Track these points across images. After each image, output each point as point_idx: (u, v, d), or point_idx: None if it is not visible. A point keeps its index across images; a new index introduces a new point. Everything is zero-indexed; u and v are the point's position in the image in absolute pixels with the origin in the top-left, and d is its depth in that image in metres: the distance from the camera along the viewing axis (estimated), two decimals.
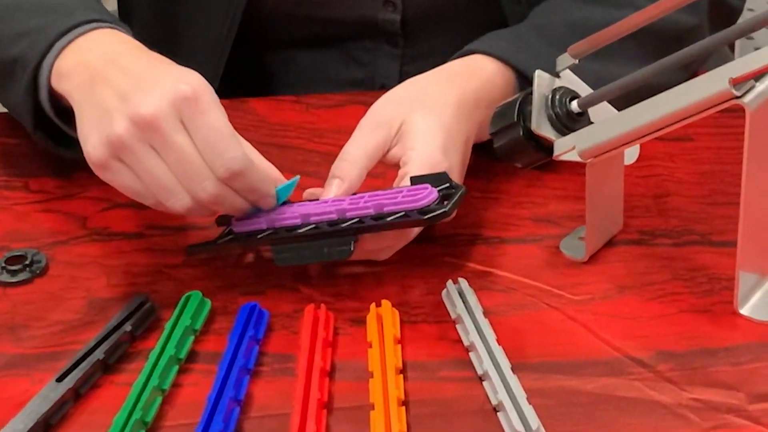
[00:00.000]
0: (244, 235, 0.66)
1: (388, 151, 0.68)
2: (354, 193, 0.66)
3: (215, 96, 0.62)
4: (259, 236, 0.65)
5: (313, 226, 0.64)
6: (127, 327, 0.63)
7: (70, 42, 0.68)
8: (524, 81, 0.72)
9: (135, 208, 0.76)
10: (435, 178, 0.64)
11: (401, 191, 0.63)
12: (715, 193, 0.74)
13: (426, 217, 0.61)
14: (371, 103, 0.86)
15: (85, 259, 0.71)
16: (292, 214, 0.65)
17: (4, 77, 0.73)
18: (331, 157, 0.79)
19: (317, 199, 0.67)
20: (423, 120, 0.68)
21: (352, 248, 0.62)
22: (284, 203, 0.66)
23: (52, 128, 0.72)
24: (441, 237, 0.71)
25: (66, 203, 0.76)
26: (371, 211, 0.63)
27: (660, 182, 0.75)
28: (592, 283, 0.67)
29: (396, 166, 0.68)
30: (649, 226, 0.71)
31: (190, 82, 0.61)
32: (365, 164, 0.67)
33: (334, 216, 0.64)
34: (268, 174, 0.65)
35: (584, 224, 0.70)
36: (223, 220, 0.69)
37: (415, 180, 0.64)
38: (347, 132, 0.82)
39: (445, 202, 0.61)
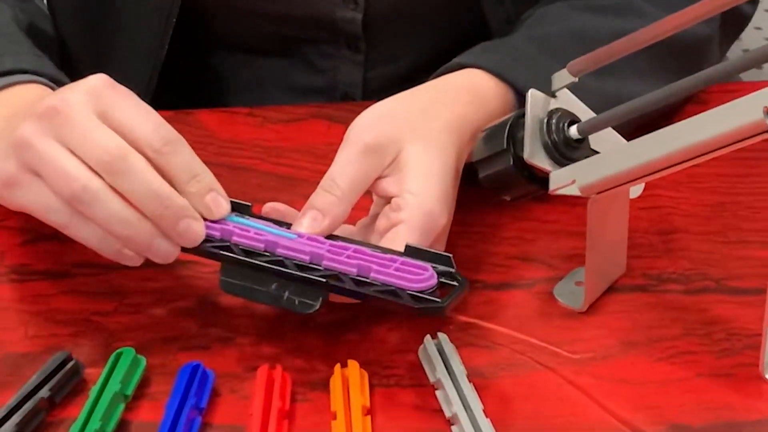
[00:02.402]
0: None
1: (377, 179, 0.59)
2: (332, 237, 0.58)
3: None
4: (207, 245, 0.57)
5: (278, 260, 0.55)
6: (45, 392, 0.55)
7: None
8: (524, 103, 0.64)
9: (62, 241, 0.66)
10: (438, 258, 0.55)
11: (395, 260, 0.54)
12: (728, 229, 0.66)
13: (418, 306, 0.52)
14: (337, 118, 0.79)
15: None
16: (254, 236, 0.56)
17: None
18: (291, 181, 0.72)
19: (283, 223, 0.58)
20: (424, 155, 0.59)
21: (318, 306, 0.54)
22: (244, 216, 0.58)
23: None
24: None
25: None
26: (353, 271, 0.54)
27: (665, 215, 0.68)
28: (593, 338, 0.59)
29: (383, 199, 0.60)
30: (656, 269, 0.63)
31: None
32: (352, 198, 0.58)
33: (306, 258, 0.55)
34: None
35: (581, 266, 0.63)
36: None
37: (413, 251, 0.55)
38: (309, 152, 0.75)
39: (442, 298, 0.53)
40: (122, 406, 0.55)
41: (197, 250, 0.57)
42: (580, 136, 0.57)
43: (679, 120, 0.52)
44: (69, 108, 0.55)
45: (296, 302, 0.54)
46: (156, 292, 0.63)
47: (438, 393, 0.55)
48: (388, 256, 0.55)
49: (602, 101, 0.58)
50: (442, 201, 0.58)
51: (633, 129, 0.59)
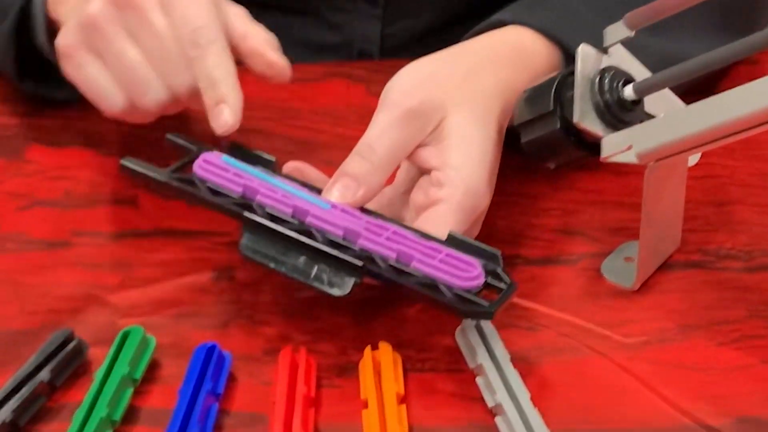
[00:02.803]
0: (206, 187, 0.53)
1: (417, 147, 0.54)
2: (366, 211, 0.53)
3: None
4: (227, 201, 0.52)
5: (307, 230, 0.50)
6: (45, 375, 0.50)
7: None
8: (572, 63, 0.59)
9: (61, 207, 0.63)
10: (484, 253, 0.50)
11: (440, 250, 0.50)
12: None
13: (463, 308, 0.48)
14: (357, 77, 0.74)
15: None
16: (281, 198, 0.51)
17: None
18: (309, 146, 0.67)
19: (311, 187, 0.53)
20: (468, 125, 0.54)
21: (347, 290, 0.49)
22: (268, 173, 0.54)
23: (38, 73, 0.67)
24: None
25: None
26: (392, 255, 0.49)
27: (720, 186, 0.63)
28: (646, 320, 0.55)
29: (422, 169, 0.55)
30: (712, 244, 0.59)
31: None
32: (389, 167, 0.54)
33: (339, 233, 0.50)
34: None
35: (630, 240, 0.58)
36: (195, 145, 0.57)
37: (457, 242, 0.50)
38: (328, 113, 0.70)
39: (488, 300, 0.48)
40: (131, 391, 0.50)
41: (213, 204, 0.52)
42: (636, 97, 0.52)
43: (729, 81, 0.48)
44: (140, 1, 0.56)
45: (325, 281, 0.50)
46: (165, 264, 0.58)
47: (479, 380, 0.51)
48: (432, 244, 0.50)
49: (657, 60, 0.53)
50: (487, 180, 0.54)
51: (680, 92, 0.55)
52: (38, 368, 0.51)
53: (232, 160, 0.54)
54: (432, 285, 0.48)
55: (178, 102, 0.58)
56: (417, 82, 0.55)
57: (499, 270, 0.50)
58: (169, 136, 0.58)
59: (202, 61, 0.56)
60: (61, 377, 0.51)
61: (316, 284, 0.50)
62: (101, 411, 0.48)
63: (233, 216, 0.52)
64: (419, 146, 0.54)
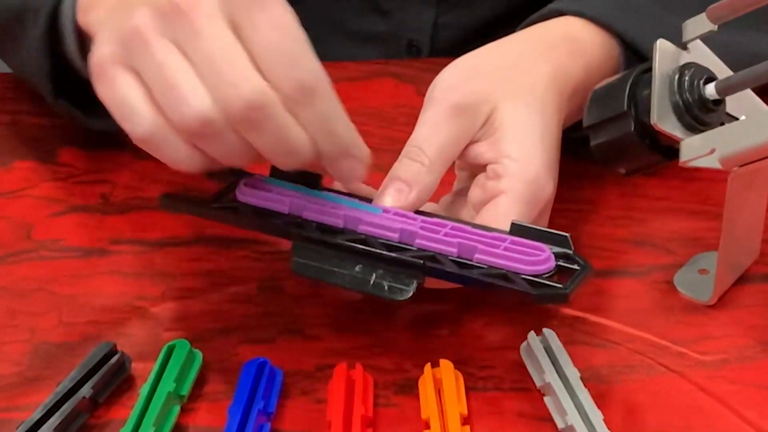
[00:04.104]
0: (252, 210, 0.52)
1: (469, 144, 0.54)
2: (421, 213, 0.52)
3: None
4: (275, 220, 0.51)
5: (361, 238, 0.50)
6: (87, 390, 0.50)
7: None
8: (633, 57, 0.58)
9: (98, 213, 0.62)
10: (552, 238, 0.49)
11: (504, 239, 0.49)
12: None
13: (536, 293, 0.46)
14: (405, 76, 0.74)
15: (28, 284, 0.58)
16: (330, 210, 0.51)
17: (8, 32, 0.61)
18: None
19: (361, 198, 0.53)
20: (521, 114, 0.54)
21: (412, 292, 0.48)
22: (316, 188, 0.53)
23: (74, 94, 0.61)
24: None
25: (3, 204, 0.62)
26: (453, 251, 0.48)
27: None
28: (725, 336, 0.53)
29: (476, 167, 0.54)
30: None
31: None
32: (442, 167, 0.53)
33: (395, 237, 0.49)
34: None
35: (703, 251, 0.57)
36: (232, 173, 0.53)
37: (521, 230, 0.50)
38: (376, 114, 0.69)
39: (562, 283, 0.47)
40: (178, 409, 0.50)
41: (261, 226, 0.52)
42: (718, 97, 0.51)
43: None
44: (197, 10, 0.46)
45: (386, 287, 0.48)
46: (209, 274, 0.58)
47: (547, 399, 0.50)
48: (494, 234, 0.49)
49: (743, 58, 0.52)
50: (548, 166, 0.53)
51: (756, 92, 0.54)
52: (80, 383, 0.50)
53: (275, 180, 0.53)
54: (501, 274, 0.47)
55: (230, 124, 0.46)
56: (462, 76, 0.55)
57: (571, 252, 0.48)
58: (165, 199, 0.54)
59: (311, 109, 0.46)
60: (103, 393, 0.51)
61: (376, 292, 0.49)
62: (147, 429, 0.48)
63: (282, 235, 0.51)
64: (471, 143, 0.54)
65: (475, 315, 0.55)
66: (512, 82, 0.55)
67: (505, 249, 0.48)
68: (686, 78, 0.51)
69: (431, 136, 0.53)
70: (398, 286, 0.48)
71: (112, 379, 0.51)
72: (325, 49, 0.77)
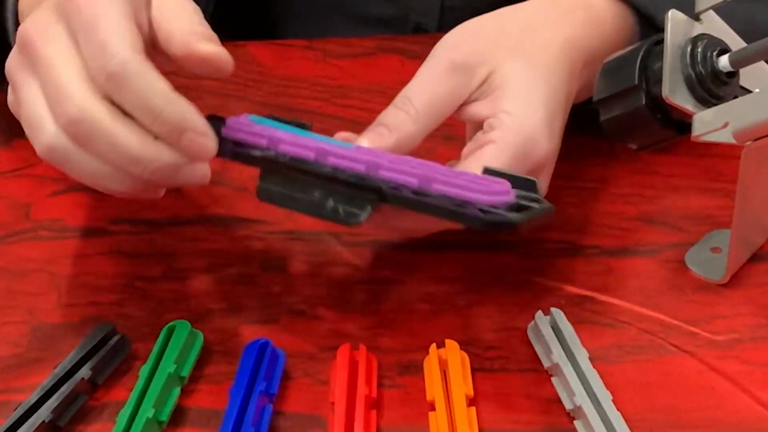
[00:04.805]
0: (231, 143, 0.51)
1: (466, 104, 0.54)
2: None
3: None
4: (250, 152, 0.51)
5: (329, 168, 0.49)
6: (86, 372, 0.50)
7: None
8: (648, 29, 0.57)
9: (98, 193, 0.61)
10: (520, 181, 0.49)
11: (467, 174, 0.49)
12: None
13: (486, 218, 0.45)
14: (411, 52, 0.73)
15: (27, 265, 0.57)
16: (304, 144, 0.50)
17: None
18: (361, 126, 0.65)
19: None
20: (525, 74, 0.53)
21: (363, 217, 0.47)
22: (302, 129, 0.52)
23: None
24: (518, 244, 0.57)
25: (2, 183, 0.62)
26: (414, 182, 0.48)
27: None
28: (737, 316, 0.53)
29: (475, 128, 0.54)
30: None
31: None
32: (428, 121, 0.53)
33: (361, 168, 0.49)
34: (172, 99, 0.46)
35: (715, 229, 0.57)
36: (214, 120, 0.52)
37: (492, 173, 0.50)
38: (381, 92, 0.69)
39: (517, 212, 0.47)
40: (178, 390, 0.50)
41: (236, 155, 0.51)
42: (731, 69, 0.51)
43: None
44: (31, 33, 0.47)
45: (341, 212, 0.48)
46: (210, 254, 0.58)
47: (555, 380, 0.50)
48: (459, 171, 0.49)
49: (757, 29, 0.51)
50: (546, 126, 0.52)
51: None
52: (79, 364, 0.50)
53: (260, 118, 0.53)
54: (454, 203, 0.46)
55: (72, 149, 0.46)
56: (465, 36, 0.55)
57: (537, 197, 0.48)
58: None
59: (124, 93, 0.45)
60: (103, 374, 0.51)
61: (331, 217, 0.48)
62: (147, 411, 0.48)
63: (254, 163, 0.51)
64: (470, 102, 0.54)
65: (481, 295, 0.54)
66: (519, 44, 0.55)
67: (465, 180, 0.47)
68: (699, 50, 0.51)
69: (422, 89, 0.53)
70: (353, 210, 0.48)
71: (112, 360, 0.51)
72: (332, 33, 0.77)
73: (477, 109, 0.54)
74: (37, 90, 0.47)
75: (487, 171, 0.50)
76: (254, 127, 0.51)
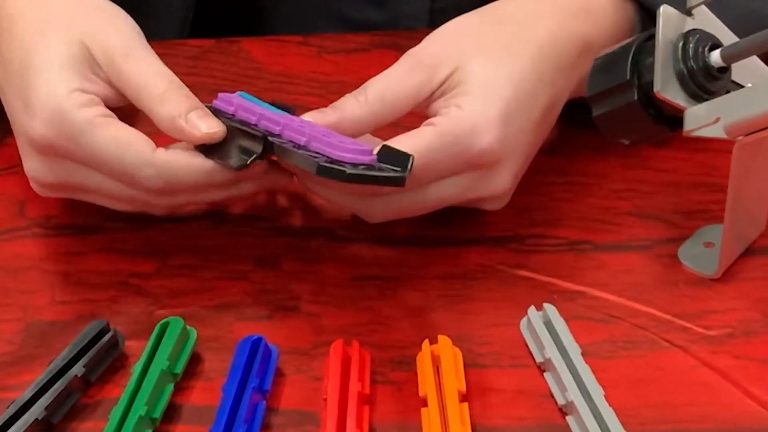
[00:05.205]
0: (211, 108, 0.56)
1: (429, 102, 0.55)
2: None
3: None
4: (221, 117, 0.56)
5: (254, 129, 0.54)
6: (79, 369, 0.50)
7: None
8: (650, 21, 0.57)
9: None
10: (401, 156, 0.52)
11: (344, 139, 0.53)
12: None
13: (321, 164, 0.50)
14: (404, 46, 0.73)
15: (21, 262, 0.58)
16: (254, 110, 0.55)
17: None
18: None
19: None
20: (487, 73, 0.54)
21: (248, 161, 0.53)
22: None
23: None
24: (509, 239, 0.57)
25: None
26: (303, 139, 0.52)
27: None
28: (730, 311, 0.53)
29: None
30: None
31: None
32: (380, 108, 0.54)
33: (276, 129, 0.53)
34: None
35: (708, 224, 0.57)
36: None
37: (386, 150, 0.52)
38: None
39: (360, 166, 0.51)
40: (171, 387, 0.50)
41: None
42: (723, 64, 0.51)
43: None
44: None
45: (233, 156, 0.53)
46: (203, 250, 0.58)
47: (547, 375, 0.50)
48: (341, 136, 0.53)
49: (749, 23, 0.51)
50: (498, 123, 0.53)
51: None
52: (72, 362, 0.50)
53: (248, 96, 0.57)
54: (325, 158, 0.51)
55: None
56: (435, 38, 0.56)
57: (402, 169, 0.51)
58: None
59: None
60: (96, 372, 0.51)
61: (220, 160, 0.53)
62: (140, 408, 0.48)
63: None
64: (434, 99, 0.54)
65: (474, 291, 0.55)
66: (495, 41, 0.55)
67: (339, 141, 0.51)
68: (690, 45, 0.51)
69: (380, 81, 0.55)
70: (242, 156, 0.53)
71: (105, 357, 0.52)
72: None
73: (438, 105, 0.54)
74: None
75: (384, 147, 0.52)
76: (232, 99, 0.56)
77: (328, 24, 0.81)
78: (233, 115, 0.56)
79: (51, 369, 0.50)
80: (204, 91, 0.67)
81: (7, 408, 0.48)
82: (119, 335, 0.52)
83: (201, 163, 0.53)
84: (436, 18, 0.78)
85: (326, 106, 0.69)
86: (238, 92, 0.57)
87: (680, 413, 0.49)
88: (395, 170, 0.51)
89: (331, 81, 0.69)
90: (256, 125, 0.54)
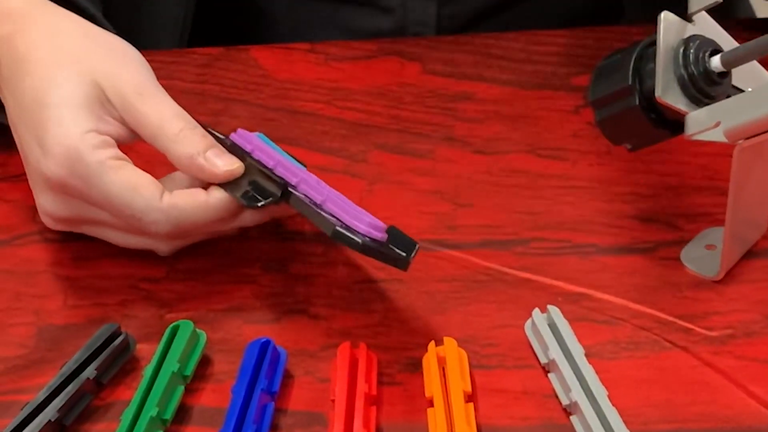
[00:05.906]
0: (230, 143, 0.58)
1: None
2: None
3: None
4: (239, 152, 0.57)
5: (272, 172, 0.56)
6: (91, 372, 0.51)
7: None
8: None
9: None
10: (405, 239, 0.53)
11: (363, 211, 0.53)
12: None
13: (338, 228, 0.52)
14: (411, 54, 0.74)
15: (34, 266, 0.58)
16: (272, 155, 0.57)
17: None
18: (362, 128, 0.67)
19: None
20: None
21: (261, 203, 0.54)
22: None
23: None
24: (513, 243, 0.58)
25: (7, 187, 0.63)
26: (319, 198, 0.54)
27: None
28: (732, 312, 0.54)
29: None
30: None
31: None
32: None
33: (293, 181, 0.55)
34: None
35: (711, 226, 0.58)
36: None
37: (393, 230, 0.54)
38: (381, 94, 0.70)
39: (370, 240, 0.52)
40: (182, 389, 0.51)
41: (230, 149, 0.57)
42: (723, 69, 0.51)
43: None
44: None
45: (249, 195, 0.55)
46: (212, 255, 0.58)
47: (551, 376, 0.51)
48: (360, 208, 0.54)
49: None
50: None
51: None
52: (84, 365, 0.51)
53: (265, 138, 0.58)
54: (341, 223, 0.52)
55: None
56: None
57: (407, 254, 0.52)
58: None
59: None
60: (108, 374, 0.52)
61: (236, 195, 0.54)
62: (151, 410, 0.49)
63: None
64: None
65: (479, 293, 0.55)
66: None
67: (354, 210, 0.53)
68: (691, 51, 0.52)
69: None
70: (257, 196, 0.54)
71: (116, 360, 0.52)
72: None
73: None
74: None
75: (391, 227, 0.53)
76: (252, 138, 0.58)
77: (335, 34, 0.82)
78: (250, 153, 0.57)
79: (63, 372, 0.51)
80: (212, 98, 0.68)
81: (21, 410, 0.49)
82: (130, 338, 0.53)
83: (205, 198, 0.54)
84: (443, 21, 0.80)
85: (332, 112, 0.70)
86: (257, 133, 0.59)
87: (682, 413, 0.49)
88: (400, 253, 0.52)
89: (338, 88, 0.70)
90: (272, 170, 0.55)
